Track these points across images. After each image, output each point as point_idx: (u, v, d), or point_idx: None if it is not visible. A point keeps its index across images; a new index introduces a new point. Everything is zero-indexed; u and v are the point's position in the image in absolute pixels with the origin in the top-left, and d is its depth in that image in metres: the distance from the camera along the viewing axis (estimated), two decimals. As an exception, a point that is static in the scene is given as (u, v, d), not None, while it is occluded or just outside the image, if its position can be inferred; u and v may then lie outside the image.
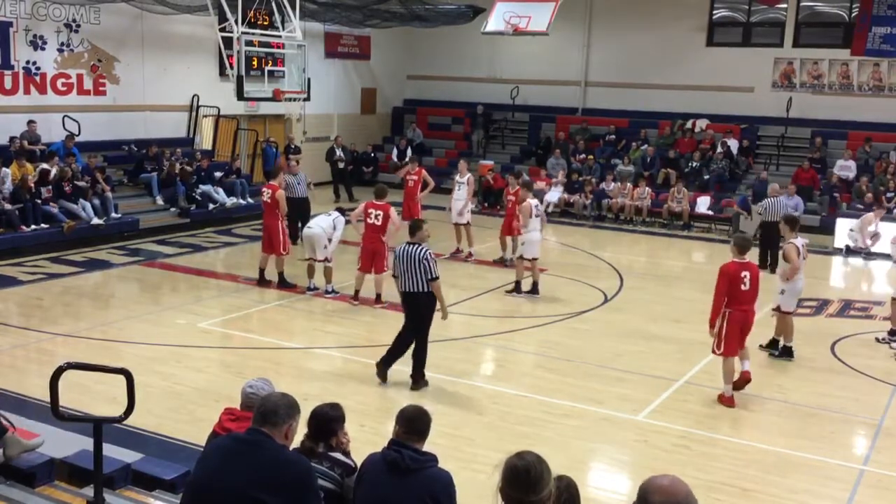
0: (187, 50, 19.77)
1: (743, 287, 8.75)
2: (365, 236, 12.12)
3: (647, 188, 20.62)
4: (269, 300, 12.69)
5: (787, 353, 10.42)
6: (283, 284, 13.09)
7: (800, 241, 10.39)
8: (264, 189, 13.48)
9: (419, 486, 4.05)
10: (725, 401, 8.89)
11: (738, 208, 19.27)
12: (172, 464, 6.57)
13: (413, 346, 9.06)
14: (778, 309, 10.43)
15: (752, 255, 10.28)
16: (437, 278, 8.88)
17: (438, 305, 9.05)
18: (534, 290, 13.16)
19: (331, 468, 4.38)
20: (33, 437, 6.23)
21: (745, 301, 8.82)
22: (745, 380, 8.98)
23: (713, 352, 9.03)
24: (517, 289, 13.22)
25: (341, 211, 13.15)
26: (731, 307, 8.77)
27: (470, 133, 25.29)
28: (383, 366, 9.10)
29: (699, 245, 18.59)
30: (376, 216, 11.94)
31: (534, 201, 13.23)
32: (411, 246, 8.95)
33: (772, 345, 10.58)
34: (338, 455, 4.47)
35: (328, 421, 4.53)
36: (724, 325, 8.81)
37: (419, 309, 8.96)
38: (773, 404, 9.05)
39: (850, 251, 17.33)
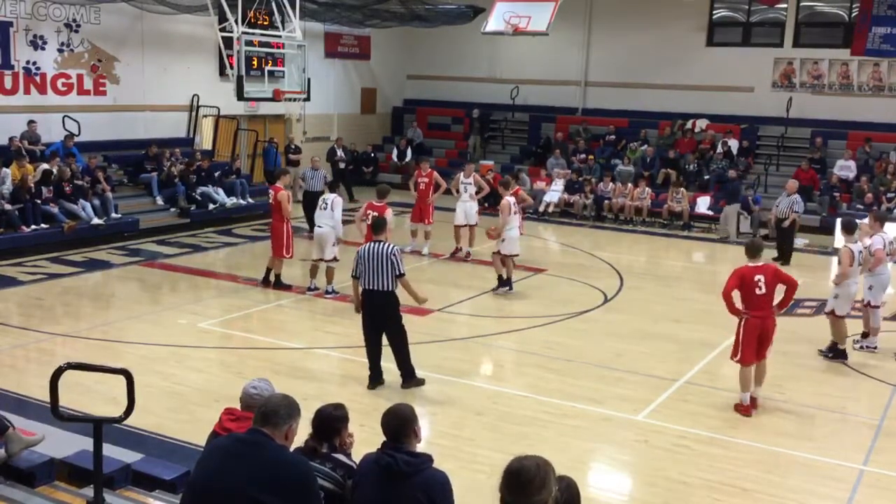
0: (187, 50, 19.77)
1: (758, 291, 8.43)
2: (367, 237, 12.04)
3: (647, 188, 20.63)
4: (269, 300, 12.69)
5: (840, 354, 10.37)
6: (279, 285, 13.07)
7: (857, 246, 10.35)
8: (270, 191, 13.48)
9: (415, 489, 4.04)
10: (742, 409, 8.67)
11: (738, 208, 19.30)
12: (172, 464, 6.57)
13: (392, 348, 8.97)
14: (832, 313, 10.41)
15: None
16: (404, 274, 8.83)
17: (413, 299, 9.07)
18: (506, 284, 13.17)
19: (333, 469, 4.37)
20: (33, 435, 6.25)
21: (762, 307, 8.48)
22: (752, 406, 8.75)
23: (731, 358, 8.80)
24: (502, 285, 13.21)
25: (330, 187, 13.08)
26: (748, 312, 8.52)
27: (468, 134, 25.13)
28: (373, 382, 9.05)
29: (699, 245, 18.59)
30: (373, 217, 11.89)
31: (511, 199, 13.23)
32: (377, 244, 8.85)
33: (833, 350, 10.45)
34: (340, 456, 4.47)
35: (332, 421, 4.52)
36: (741, 331, 8.57)
37: (385, 308, 8.84)
38: (773, 404, 9.03)
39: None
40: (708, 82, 22.70)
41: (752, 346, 8.56)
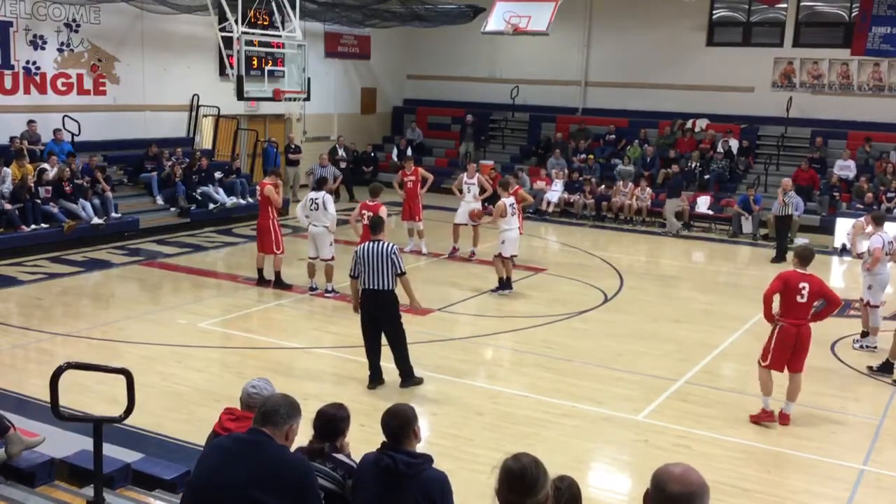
0: (187, 50, 19.76)
1: (799, 299, 8.12)
2: (362, 237, 12.01)
3: (647, 188, 20.62)
4: (269, 300, 12.69)
5: (887, 367, 10.00)
6: (280, 284, 13.07)
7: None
8: (257, 188, 13.49)
9: (414, 489, 4.05)
10: (764, 417, 8.35)
11: (738, 208, 19.33)
12: (172, 464, 6.57)
13: (391, 348, 8.97)
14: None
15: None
16: (405, 273, 8.85)
17: (409, 301, 9.09)
18: (506, 285, 13.14)
19: (333, 469, 4.37)
20: (34, 436, 6.25)
21: (799, 315, 8.20)
22: (781, 423, 8.41)
23: (759, 363, 8.47)
24: (502, 287, 13.17)
25: (318, 185, 13.02)
26: (785, 319, 8.23)
27: (460, 140, 24.70)
28: (373, 381, 9.05)
29: (699, 245, 18.59)
30: (368, 217, 11.86)
31: (508, 200, 13.18)
32: (375, 243, 8.84)
33: (885, 367, 10.03)
34: (341, 456, 4.47)
35: (336, 421, 4.52)
36: (774, 337, 8.29)
37: (386, 308, 8.85)
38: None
39: (844, 250, 17.33)
40: (708, 82, 22.69)
41: (785, 354, 8.26)
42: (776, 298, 8.39)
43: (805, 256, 8.39)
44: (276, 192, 12.98)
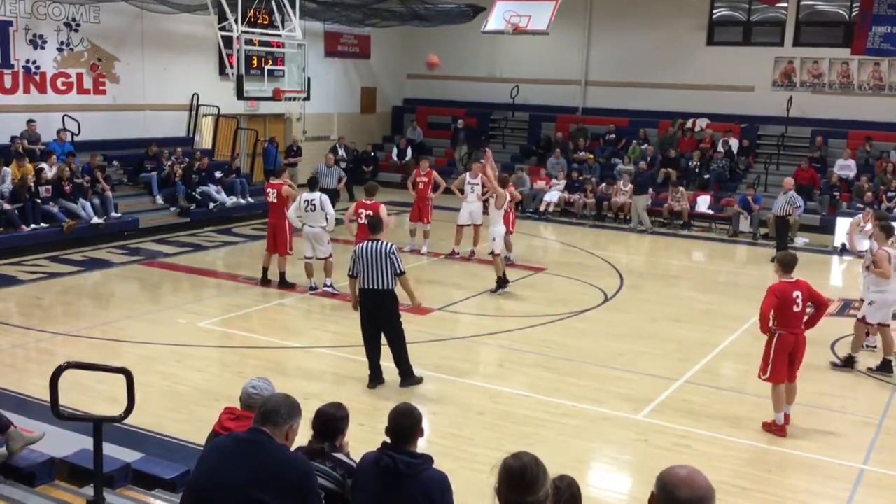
0: (187, 49, 19.76)
1: (795, 308, 8.06)
2: (357, 236, 11.91)
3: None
4: (269, 300, 12.69)
5: (886, 367, 10.00)
6: (284, 284, 13.08)
7: (894, 250, 9.97)
8: (268, 189, 13.30)
9: (414, 490, 4.06)
10: (777, 430, 8.20)
11: (738, 208, 19.32)
12: (172, 463, 6.58)
13: (391, 347, 8.97)
14: (863, 320, 10.18)
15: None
16: (404, 272, 8.85)
17: (410, 300, 9.08)
18: (503, 283, 13.14)
19: (333, 468, 4.37)
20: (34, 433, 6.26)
21: (797, 323, 8.16)
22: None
23: (759, 377, 8.35)
24: (501, 286, 13.16)
25: (310, 185, 12.91)
26: (782, 329, 8.13)
27: (453, 144, 24.52)
28: (373, 381, 9.05)
29: (699, 245, 18.59)
30: (366, 216, 11.82)
31: (509, 194, 13.23)
32: (374, 243, 8.83)
33: (884, 367, 10.02)
34: (341, 455, 4.47)
35: (335, 421, 4.52)
36: (773, 348, 8.14)
37: (386, 307, 8.85)
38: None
39: (844, 250, 17.33)
40: (708, 81, 22.69)
41: (784, 363, 8.16)
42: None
43: (788, 263, 8.28)
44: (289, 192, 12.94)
